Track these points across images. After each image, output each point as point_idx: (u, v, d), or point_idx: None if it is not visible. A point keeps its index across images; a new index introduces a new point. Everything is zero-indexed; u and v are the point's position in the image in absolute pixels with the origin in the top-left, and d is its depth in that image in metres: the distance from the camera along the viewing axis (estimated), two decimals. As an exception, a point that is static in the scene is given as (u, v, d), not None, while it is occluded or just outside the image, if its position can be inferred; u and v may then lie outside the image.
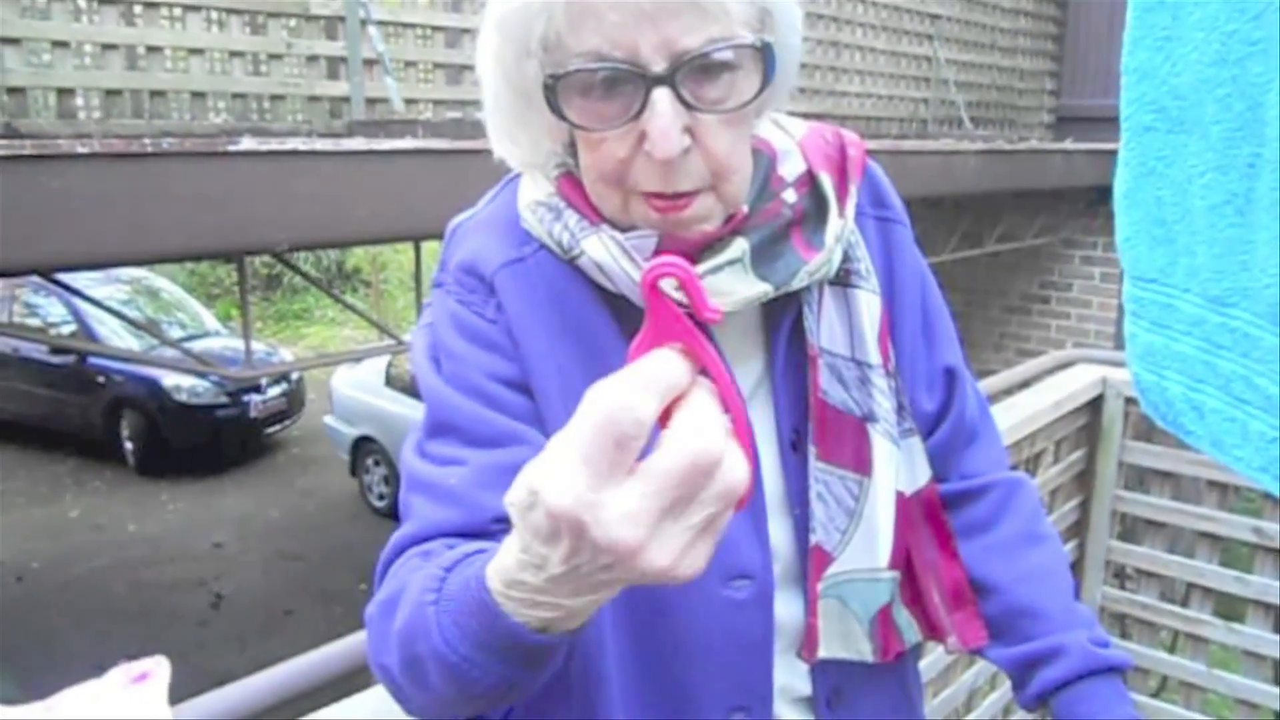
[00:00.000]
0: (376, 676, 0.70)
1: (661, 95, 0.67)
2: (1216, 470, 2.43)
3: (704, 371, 0.50)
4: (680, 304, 0.51)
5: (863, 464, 0.84)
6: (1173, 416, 1.05)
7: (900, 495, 0.87)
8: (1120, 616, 2.72)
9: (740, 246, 0.76)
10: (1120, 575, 2.75)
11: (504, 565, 0.55)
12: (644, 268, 0.74)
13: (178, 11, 3.65)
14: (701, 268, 0.74)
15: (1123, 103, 1.00)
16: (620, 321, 0.78)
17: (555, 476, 0.47)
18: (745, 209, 0.77)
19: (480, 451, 0.74)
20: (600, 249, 0.76)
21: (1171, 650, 2.70)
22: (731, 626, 0.81)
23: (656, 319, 0.50)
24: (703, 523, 0.48)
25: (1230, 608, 2.58)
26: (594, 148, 0.72)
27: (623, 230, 0.76)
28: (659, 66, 0.67)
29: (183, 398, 8.88)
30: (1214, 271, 0.93)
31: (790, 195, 0.80)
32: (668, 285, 0.51)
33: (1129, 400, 2.56)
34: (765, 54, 0.70)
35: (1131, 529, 2.72)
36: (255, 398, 9.24)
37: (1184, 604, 2.62)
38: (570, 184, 0.79)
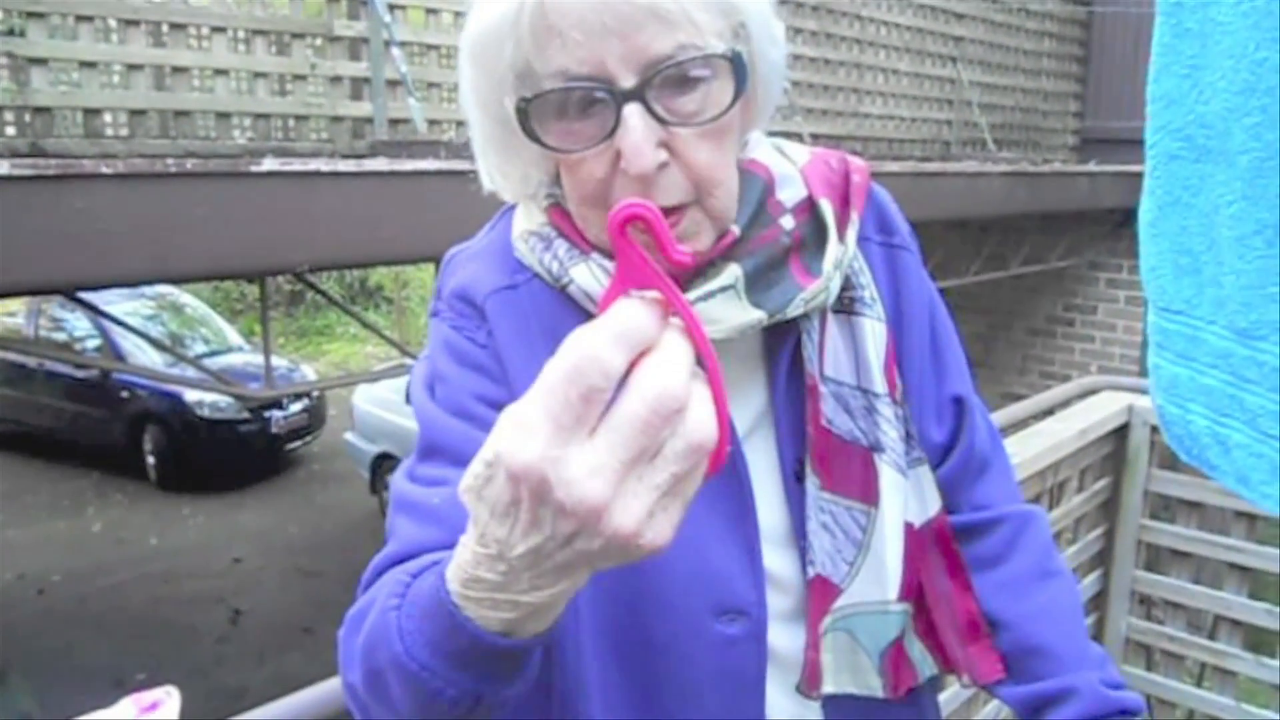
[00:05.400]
0: (345, 697, 0.68)
1: (632, 111, 0.67)
2: (1244, 501, 2.39)
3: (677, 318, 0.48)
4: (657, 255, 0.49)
5: (870, 494, 0.83)
6: (1198, 451, 1.02)
7: (910, 526, 0.85)
8: (1146, 648, 2.68)
9: (733, 273, 0.75)
10: (1146, 605, 2.70)
11: (460, 561, 0.52)
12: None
13: (204, 32, 3.69)
14: (693, 294, 0.74)
15: (1148, 130, 0.99)
16: None
17: (516, 434, 0.45)
18: (736, 231, 0.76)
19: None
20: (589, 277, 0.76)
21: (1199, 683, 2.65)
22: (723, 662, 0.79)
23: (625, 265, 0.49)
24: (668, 482, 0.45)
25: (1260, 640, 2.53)
26: (573, 170, 0.72)
27: (612, 256, 0.75)
28: (628, 81, 0.67)
29: (205, 413, 8.93)
30: (1242, 303, 0.91)
31: (788, 221, 0.79)
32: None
33: (1155, 428, 2.53)
34: (735, 63, 0.69)
35: (1157, 559, 2.68)
36: (277, 413, 9.28)
37: (1212, 636, 2.57)
38: (560, 214, 0.79)
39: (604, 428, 0.44)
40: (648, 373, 0.45)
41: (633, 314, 0.46)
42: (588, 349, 0.44)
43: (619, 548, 0.45)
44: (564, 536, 0.46)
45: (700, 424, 0.45)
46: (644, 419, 0.44)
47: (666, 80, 0.67)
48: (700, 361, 0.47)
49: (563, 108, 0.69)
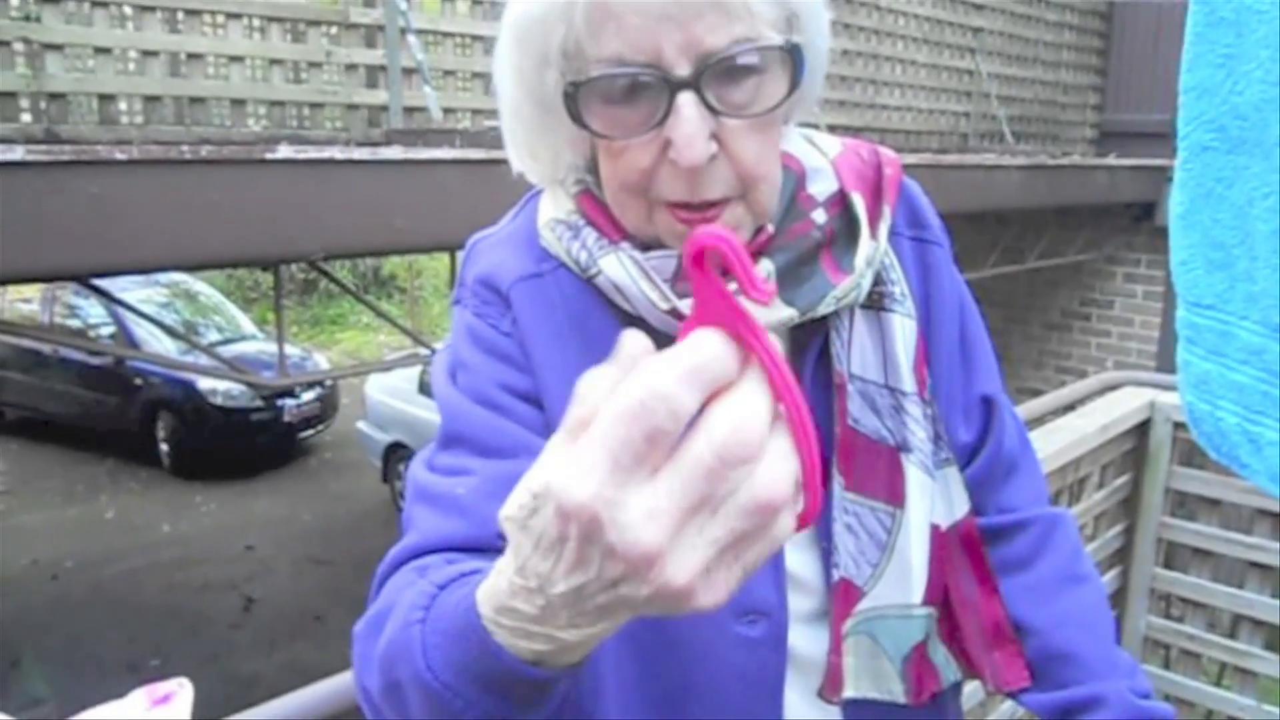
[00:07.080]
0: (358, 699, 0.66)
1: (686, 100, 0.65)
2: (1267, 499, 2.36)
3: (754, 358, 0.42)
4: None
5: (895, 495, 0.81)
6: (1227, 449, 1.00)
7: (936, 528, 0.83)
8: (1164, 646, 2.66)
9: (765, 268, 0.73)
10: (1165, 603, 2.68)
11: (495, 589, 0.49)
12: (663, 288, 0.72)
13: (220, 19, 3.69)
14: None
15: (1180, 121, 0.96)
16: None
17: (570, 468, 0.40)
18: (771, 229, 0.75)
19: (491, 461, 0.71)
20: (618, 269, 0.74)
21: (1218, 682, 2.62)
22: (742, 664, 0.77)
23: (702, 299, 0.43)
24: (728, 538, 0.41)
25: (1281, 640, 2.51)
26: (616, 157, 0.70)
27: (645, 244, 0.74)
28: (683, 70, 0.65)
29: (218, 400, 8.97)
30: (1276, 298, 0.89)
31: (820, 215, 0.77)
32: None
33: (1177, 425, 2.51)
34: (794, 56, 0.67)
35: (1177, 557, 2.65)
36: (290, 402, 9.32)
37: (1232, 635, 2.55)
38: (590, 201, 0.77)
39: (666, 470, 0.40)
40: (720, 415, 0.40)
41: (710, 348, 0.40)
42: (657, 385, 0.39)
43: (667, 599, 0.42)
44: (610, 579, 0.42)
45: (771, 481, 0.40)
46: (708, 465, 0.39)
47: (722, 70, 0.65)
48: (781, 409, 0.42)
49: (611, 93, 0.67)
